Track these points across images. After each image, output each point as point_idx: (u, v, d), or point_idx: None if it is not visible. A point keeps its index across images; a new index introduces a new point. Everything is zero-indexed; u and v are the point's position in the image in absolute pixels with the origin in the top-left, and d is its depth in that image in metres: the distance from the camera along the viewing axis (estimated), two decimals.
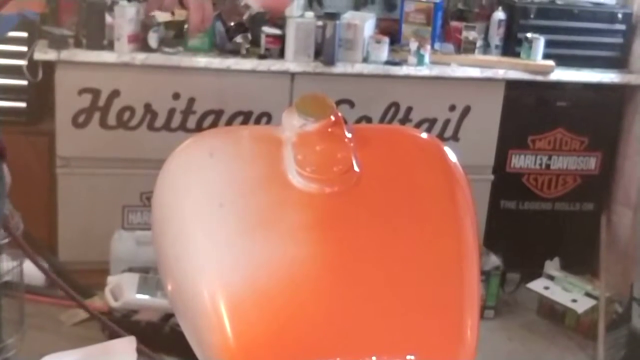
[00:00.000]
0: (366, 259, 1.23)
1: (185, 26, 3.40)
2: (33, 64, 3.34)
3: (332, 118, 1.38)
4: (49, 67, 3.34)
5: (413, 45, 3.55)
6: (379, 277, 1.21)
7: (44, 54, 3.29)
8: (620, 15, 3.78)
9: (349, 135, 1.38)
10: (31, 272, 3.03)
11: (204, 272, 1.20)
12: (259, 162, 1.35)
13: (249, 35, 2.60)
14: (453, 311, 1.22)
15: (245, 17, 2.87)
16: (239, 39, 3.37)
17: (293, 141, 1.35)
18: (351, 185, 1.30)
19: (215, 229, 1.25)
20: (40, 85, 3.41)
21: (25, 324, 2.94)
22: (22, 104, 3.51)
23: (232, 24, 3.34)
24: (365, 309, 1.18)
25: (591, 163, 3.87)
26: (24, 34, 3.40)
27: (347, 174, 1.31)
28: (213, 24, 3.28)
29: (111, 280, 3.10)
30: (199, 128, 3.44)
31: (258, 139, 1.50)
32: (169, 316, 2.99)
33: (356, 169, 1.32)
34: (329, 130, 1.37)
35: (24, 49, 3.37)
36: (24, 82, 3.41)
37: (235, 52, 3.43)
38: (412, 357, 1.14)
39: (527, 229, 3.85)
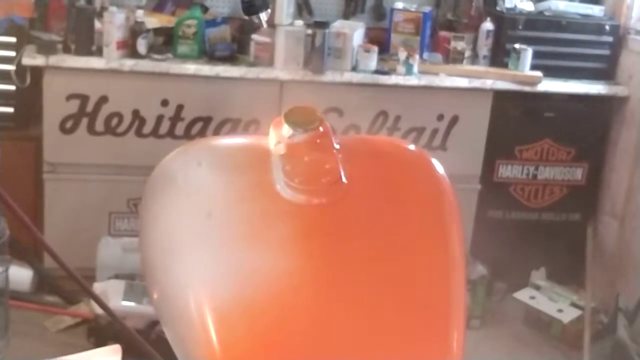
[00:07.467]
0: (354, 271, 1.23)
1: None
2: (21, 69, 3.33)
3: (321, 129, 1.38)
4: (37, 72, 3.34)
5: (402, 55, 3.57)
6: (366, 290, 1.22)
7: (32, 59, 3.28)
8: (607, 27, 3.81)
9: (337, 146, 1.38)
10: (16, 277, 3.01)
11: (191, 283, 1.19)
12: (247, 172, 1.35)
13: (269, 11, 2.58)
14: (440, 324, 1.22)
15: None
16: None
17: (281, 152, 1.35)
18: (339, 197, 1.30)
19: (202, 239, 1.25)
20: (28, 91, 3.40)
21: (9, 331, 2.92)
22: (10, 109, 3.50)
23: None
24: (352, 322, 1.18)
25: (578, 174, 3.89)
26: (12, 39, 3.39)
27: (335, 185, 1.31)
28: None
29: (97, 287, 3.09)
30: (187, 135, 3.44)
31: (246, 149, 1.50)
32: (155, 323, 2.98)
33: (344, 180, 1.32)
34: (318, 141, 1.37)
35: (12, 54, 3.37)
36: (12, 87, 3.41)
37: (225, 59, 3.43)
38: None
39: (514, 239, 3.85)
